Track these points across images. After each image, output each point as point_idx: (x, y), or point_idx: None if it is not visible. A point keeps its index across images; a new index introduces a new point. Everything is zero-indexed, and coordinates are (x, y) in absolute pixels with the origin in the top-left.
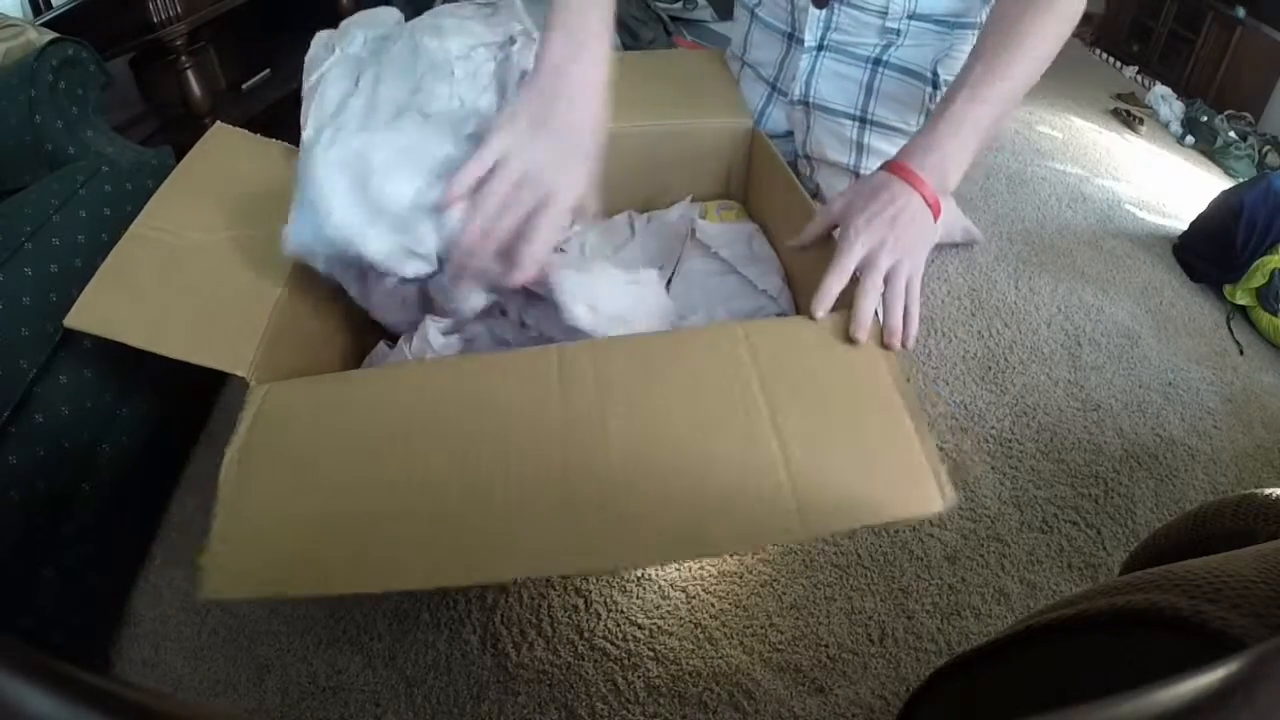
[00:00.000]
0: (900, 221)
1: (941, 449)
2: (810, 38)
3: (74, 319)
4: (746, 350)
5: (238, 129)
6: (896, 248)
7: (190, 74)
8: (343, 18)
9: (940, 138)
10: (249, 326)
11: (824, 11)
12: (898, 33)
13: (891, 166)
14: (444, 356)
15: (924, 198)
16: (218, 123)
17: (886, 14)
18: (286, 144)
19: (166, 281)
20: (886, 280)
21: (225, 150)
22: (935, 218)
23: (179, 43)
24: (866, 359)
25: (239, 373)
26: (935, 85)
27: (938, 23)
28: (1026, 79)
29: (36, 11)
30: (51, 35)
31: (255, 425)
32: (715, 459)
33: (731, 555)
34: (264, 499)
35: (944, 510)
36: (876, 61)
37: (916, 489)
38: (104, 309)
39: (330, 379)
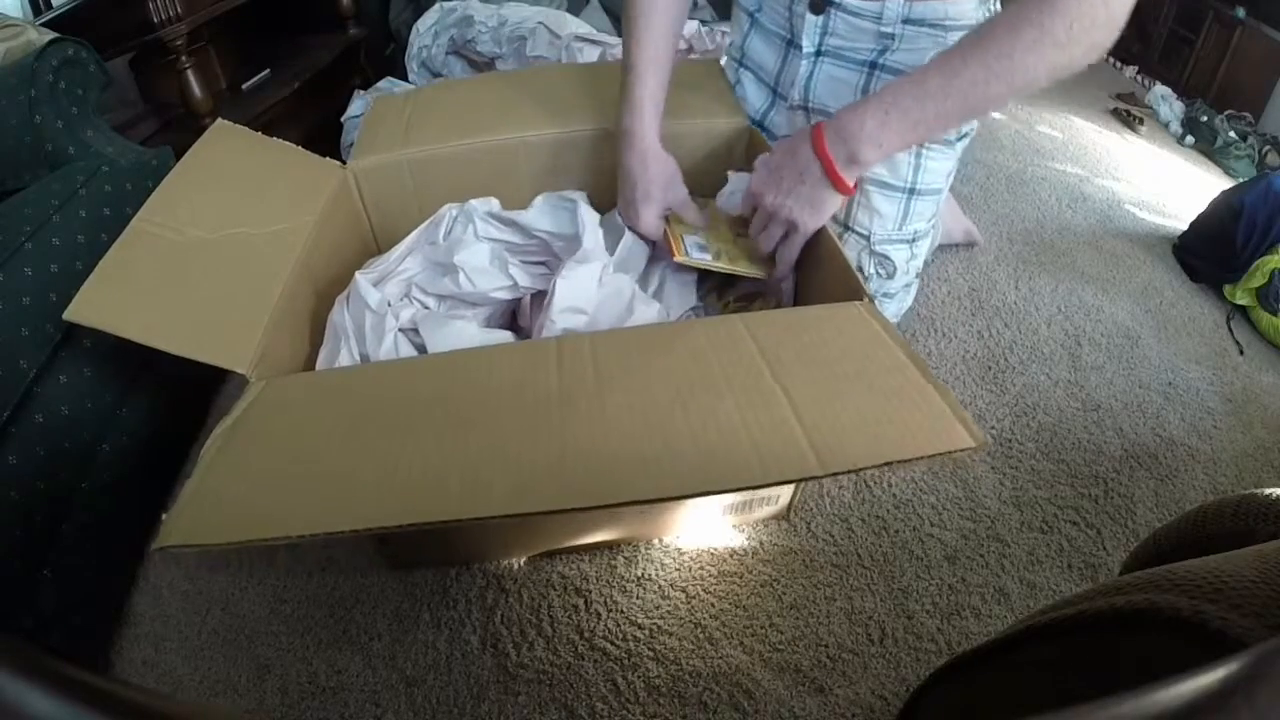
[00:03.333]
0: (788, 183)
1: None
2: (808, 44)
3: (74, 312)
4: (745, 329)
5: (239, 126)
6: (784, 202)
7: (190, 74)
8: (343, 18)
9: (866, 116)
10: (249, 324)
11: (820, 18)
12: (893, 37)
13: (814, 130)
14: (439, 353)
15: (824, 168)
16: (219, 119)
17: (881, 19)
18: (287, 143)
19: (167, 277)
20: (770, 220)
21: (227, 147)
22: (838, 188)
23: (179, 43)
24: (869, 334)
25: (239, 370)
26: None
27: (932, 26)
28: (983, 96)
29: (36, 11)
30: (51, 35)
31: (249, 410)
32: (719, 413)
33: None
34: (241, 466)
35: (976, 446)
36: (873, 65)
37: (942, 429)
38: (104, 303)
39: (331, 373)
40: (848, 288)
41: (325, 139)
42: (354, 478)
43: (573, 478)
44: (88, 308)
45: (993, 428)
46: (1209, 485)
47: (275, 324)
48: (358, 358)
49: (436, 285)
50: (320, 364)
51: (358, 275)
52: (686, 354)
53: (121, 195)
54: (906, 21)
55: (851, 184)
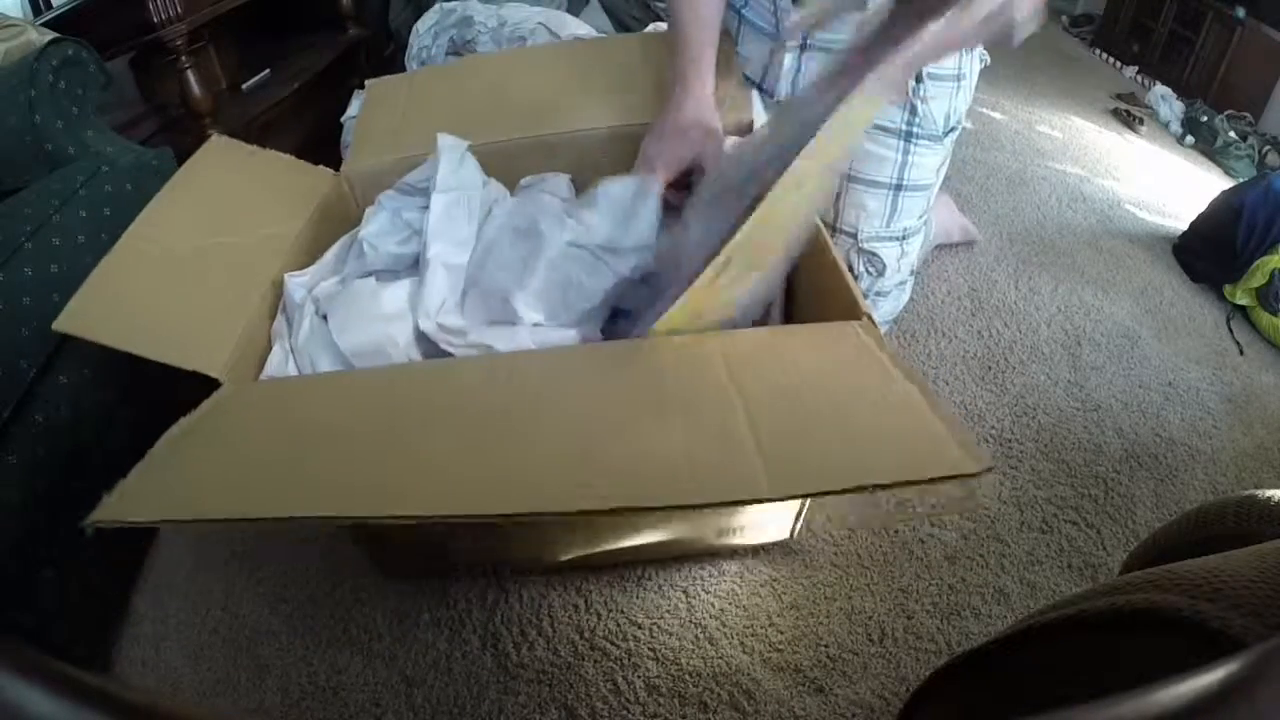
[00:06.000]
0: None
1: None
2: (793, 38)
3: (63, 323)
4: (718, 348)
5: (235, 141)
6: None
7: (190, 74)
8: (343, 18)
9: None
10: (226, 329)
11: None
12: None
13: None
14: (408, 363)
15: None
16: (214, 135)
17: (866, 7)
18: (282, 154)
19: (152, 287)
20: None
21: (220, 162)
22: None
23: (179, 43)
24: (868, 361)
25: (211, 373)
26: (917, 78)
27: None
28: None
29: (36, 11)
30: (51, 35)
31: (212, 409)
32: (660, 436)
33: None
34: (192, 458)
35: (979, 470)
36: None
37: (936, 453)
38: (91, 314)
39: (298, 380)
40: (842, 299)
41: (325, 139)
42: (302, 474)
43: (542, 483)
44: (75, 319)
45: (993, 428)
46: (1209, 485)
47: (253, 328)
48: (288, 349)
49: (357, 269)
50: (265, 371)
51: (285, 276)
52: (645, 375)
53: (121, 195)
54: None
55: None
